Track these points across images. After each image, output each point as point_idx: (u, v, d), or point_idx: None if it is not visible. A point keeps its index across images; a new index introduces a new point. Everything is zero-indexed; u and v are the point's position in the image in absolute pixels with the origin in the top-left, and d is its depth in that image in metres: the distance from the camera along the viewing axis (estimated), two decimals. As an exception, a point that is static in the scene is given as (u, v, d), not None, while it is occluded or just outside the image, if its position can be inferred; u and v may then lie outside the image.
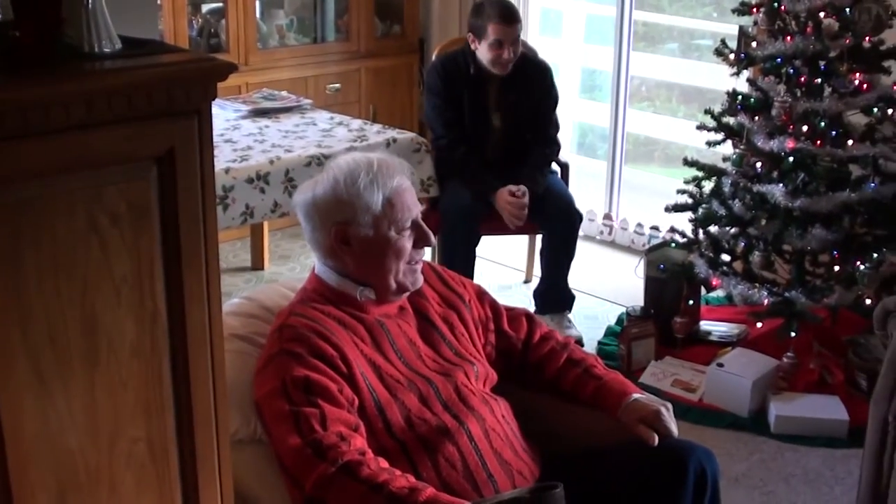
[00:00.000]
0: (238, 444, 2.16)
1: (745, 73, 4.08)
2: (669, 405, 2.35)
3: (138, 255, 1.56)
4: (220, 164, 3.66)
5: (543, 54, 4.73)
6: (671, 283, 4.19)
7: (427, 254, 2.41)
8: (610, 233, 5.60)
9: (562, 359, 2.49)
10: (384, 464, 2.03)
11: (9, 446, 1.48)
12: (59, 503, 1.57)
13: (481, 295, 2.56)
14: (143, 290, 1.58)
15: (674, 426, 2.31)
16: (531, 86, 4.43)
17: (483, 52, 4.31)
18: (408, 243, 2.29)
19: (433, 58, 4.98)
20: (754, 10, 3.96)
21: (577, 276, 4.58)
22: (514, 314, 2.58)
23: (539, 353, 2.51)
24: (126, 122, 1.49)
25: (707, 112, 4.13)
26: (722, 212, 4.03)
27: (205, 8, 5.36)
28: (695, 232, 4.19)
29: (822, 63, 3.82)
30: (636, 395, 2.36)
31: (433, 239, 2.36)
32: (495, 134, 4.45)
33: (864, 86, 3.78)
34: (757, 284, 3.94)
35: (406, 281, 2.32)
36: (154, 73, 1.53)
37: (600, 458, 2.34)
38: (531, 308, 4.23)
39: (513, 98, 4.40)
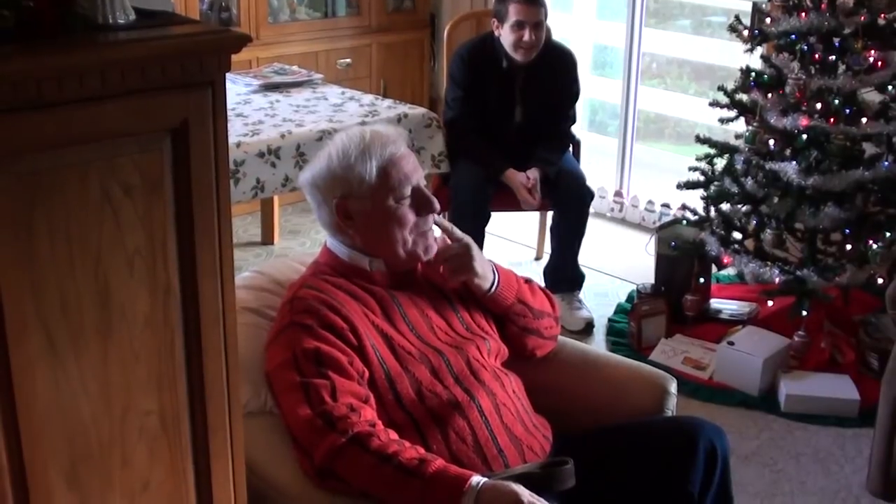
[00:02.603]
0: (248, 416, 2.16)
1: (759, 50, 4.06)
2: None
3: (151, 226, 1.55)
4: (231, 138, 3.60)
5: (555, 30, 4.69)
6: (682, 260, 4.18)
7: (437, 230, 2.39)
8: (621, 210, 5.59)
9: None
10: (394, 435, 2.04)
11: (21, 417, 1.48)
12: (71, 474, 1.57)
13: None
14: (156, 262, 1.57)
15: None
16: (555, 77, 4.41)
17: (505, 36, 4.27)
18: (409, 212, 2.27)
19: (445, 34, 4.96)
20: (768, -14, 3.94)
21: (588, 254, 4.57)
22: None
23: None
24: (140, 94, 1.48)
25: (720, 89, 4.11)
26: (734, 189, 4.01)
27: (216, -19, 5.33)
28: (706, 209, 4.18)
29: (836, 40, 3.80)
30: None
31: (437, 204, 2.32)
32: (515, 127, 4.43)
33: (879, 63, 3.76)
34: (768, 263, 3.93)
35: (417, 249, 2.30)
36: (168, 44, 1.51)
37: (611, 434, 2.34)
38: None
39: (537, 90, 4.37)
